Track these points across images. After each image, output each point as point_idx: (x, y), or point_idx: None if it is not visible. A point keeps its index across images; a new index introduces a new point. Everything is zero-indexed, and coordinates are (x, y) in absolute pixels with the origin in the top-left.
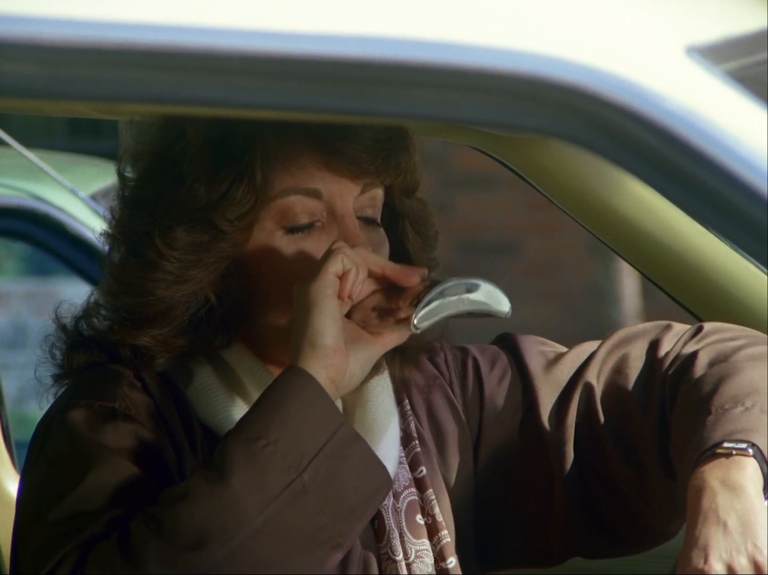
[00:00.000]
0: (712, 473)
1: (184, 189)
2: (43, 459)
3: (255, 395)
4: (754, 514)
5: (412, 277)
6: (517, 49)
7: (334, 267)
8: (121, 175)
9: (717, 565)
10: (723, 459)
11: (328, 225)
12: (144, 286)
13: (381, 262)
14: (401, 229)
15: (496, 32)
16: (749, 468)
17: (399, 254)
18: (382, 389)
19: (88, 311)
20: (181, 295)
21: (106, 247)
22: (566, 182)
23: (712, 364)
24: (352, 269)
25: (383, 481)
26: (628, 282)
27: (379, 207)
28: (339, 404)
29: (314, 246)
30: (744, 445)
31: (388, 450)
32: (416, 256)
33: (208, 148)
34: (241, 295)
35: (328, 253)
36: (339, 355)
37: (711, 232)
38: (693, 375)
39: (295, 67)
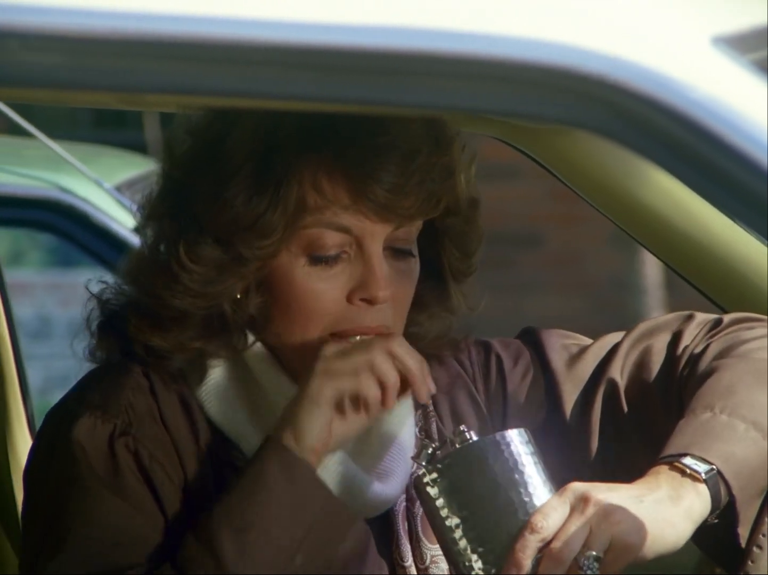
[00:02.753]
0: (666, 478)
1: (219, 202)
2: (46, 490)
3: (270, 397)
4: (668, 527)
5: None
6: (542, 39)
7: (351, 386)
8: (169, 151)
9: (600, 503)
10: (678, 474)
11: (354, 259)
12: (161, 291)
13: (409, 365)
14: (440, 245)
15: (521, 22)
16: (696, 493)
17: (434, 264)
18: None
19: (116, 293)
20: (196, 308)
21: (140, 224)
22: (590, 173)
23: (712, 360)
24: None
25: (367, 536)
26: (652, 273)
27: (413, 237)
28: None
29: (337, 276)
30: (702, 469)
31: (397, 458)
32: (452, 266)
33: (250, 166)
34: (258, 311)
35: (358, 364)
36: (315, 455)
37: (736, 223)
38: (696, 374)
39: (318, 58)
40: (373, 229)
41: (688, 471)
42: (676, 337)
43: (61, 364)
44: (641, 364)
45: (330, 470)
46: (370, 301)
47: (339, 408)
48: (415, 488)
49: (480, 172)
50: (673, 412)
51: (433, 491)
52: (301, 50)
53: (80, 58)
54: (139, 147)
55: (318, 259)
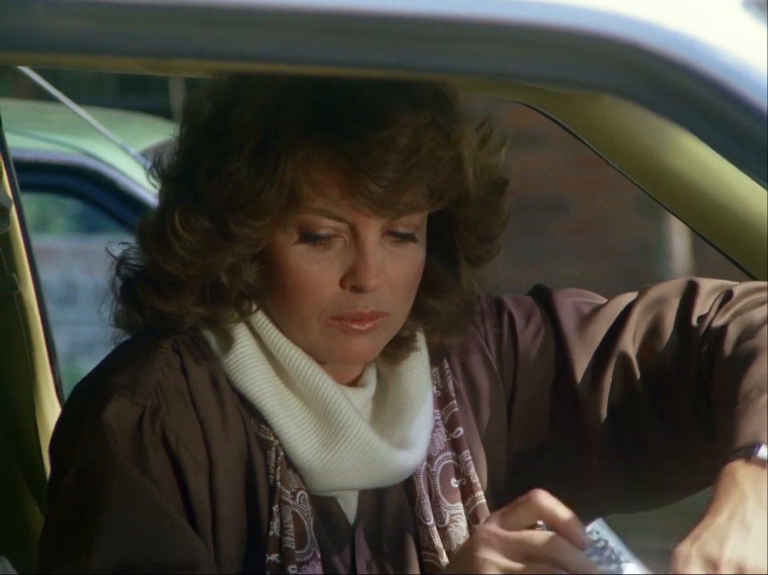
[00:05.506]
0: (745, 478)
1: (217, 176)
2: (73, 470)
3: (285, 368)
4: None
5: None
6: (571, 4)
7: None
8: (185, 116)
9: (731, 559)
10: (757, 468)
11: (349, 245)
12: (155, 256)
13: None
14: (454, 231)
15: None
16: None
17: (449, 251)
18: (418, 363)
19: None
20: (187, 276)
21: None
22: (619, 138)
23: (740, 341)
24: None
25: None
26: (679, 239)
27: (417, 224)
28: (374, 376)
29: (331, 260)
30: None
31: (420, 428)
32: (467, 252)
33: (251, 145)
34: (255, 282)
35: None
36: None
37: (766, 188)
38: (724, 353)
39: (345, 23)
40: (367, 221)
41: None
42: (689, 306)
43: (88, 330)
44: (653, 333)
45: (353, 442)
46: (360, 289)
47: None
48: None
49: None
50: (687, 381)
51: None
52: (327, 14)
53: (107, 23)
54: (164, 112)
55: (310, 237)
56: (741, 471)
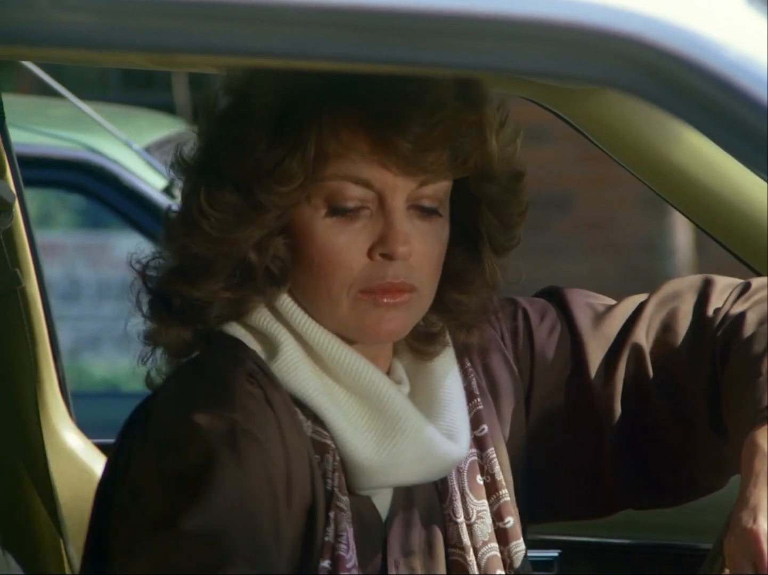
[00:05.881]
0: (766, 437)
1: (241, 149)
2: (168, 443)
3: (330, 364)
4: None
5: None
6: None
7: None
8: (203, 111)
9: (765, 525)
10: None
11: (376, 214)
12: (183, 239)
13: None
14: (476, 211)
15: None
16: None
17: (471, 232)
18: (449, 358)
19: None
20: (215, 254)
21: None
22: (623, 134)
23: (761, 323)
24: None
25: None
26: (682, 235)
27: (442, 197)
28: (404, 373)
29: (359, 231)
30: None
31: (461, 419)
32: (491, 236)
33: (273, 114)
34: (283, 261)
35: None
36: None
37: None
38: (743, 335)
39: (350, 18)
40: (395, 182)
41: None
42: (704, 301)
43: (91, 325)
44: (667, 326)
45: (411, 434)
46: (390, 256)
47: None
48: None
49: None
50: (700, 373)
51: None
52: (333, 10)
53: (111, 17)
54: (167, 108)
55: (338, 210)
56: (762, 432)
